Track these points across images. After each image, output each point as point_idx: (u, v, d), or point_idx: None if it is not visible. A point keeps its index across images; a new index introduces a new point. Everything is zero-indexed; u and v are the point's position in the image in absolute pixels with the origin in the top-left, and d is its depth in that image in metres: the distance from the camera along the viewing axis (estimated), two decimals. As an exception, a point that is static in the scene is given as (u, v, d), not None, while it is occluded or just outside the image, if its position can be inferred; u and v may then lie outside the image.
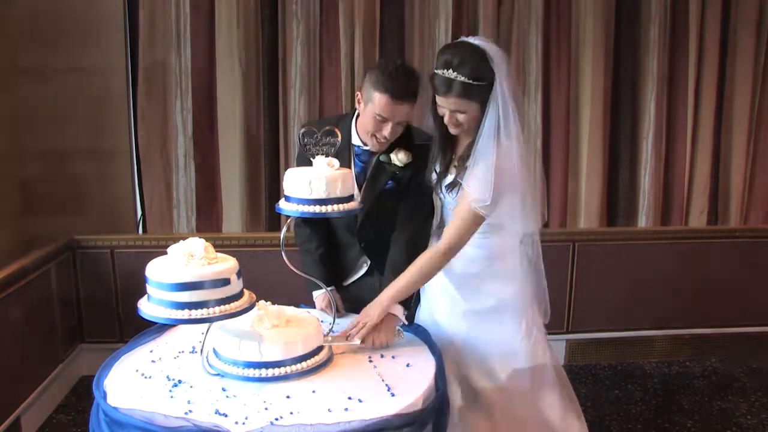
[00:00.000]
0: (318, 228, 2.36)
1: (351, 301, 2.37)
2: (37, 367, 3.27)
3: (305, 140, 1.98)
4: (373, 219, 2.28)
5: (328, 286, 2.27)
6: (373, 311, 2.09)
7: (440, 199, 2.26)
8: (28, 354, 3.17)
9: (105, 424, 1.71)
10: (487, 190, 2.01)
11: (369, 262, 2.38)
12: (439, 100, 2.04)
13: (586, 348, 3.92)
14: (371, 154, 2.24)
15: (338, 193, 1.92)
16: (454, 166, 2.16)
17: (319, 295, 2.35)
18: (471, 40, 2.04)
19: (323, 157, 1.98)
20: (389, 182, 2.25)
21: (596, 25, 3.75)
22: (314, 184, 1.90)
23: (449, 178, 2.16)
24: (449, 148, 2.19)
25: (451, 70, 1.97)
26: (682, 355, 4.00)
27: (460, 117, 2.04)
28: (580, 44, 3.81)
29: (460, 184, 2.09)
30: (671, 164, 3.98)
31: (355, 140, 2.24)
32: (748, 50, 3.88)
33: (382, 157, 2.22)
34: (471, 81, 1.97)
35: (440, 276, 2.20)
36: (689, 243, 3.92)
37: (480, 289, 2.21)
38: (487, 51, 2.00)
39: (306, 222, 2.33)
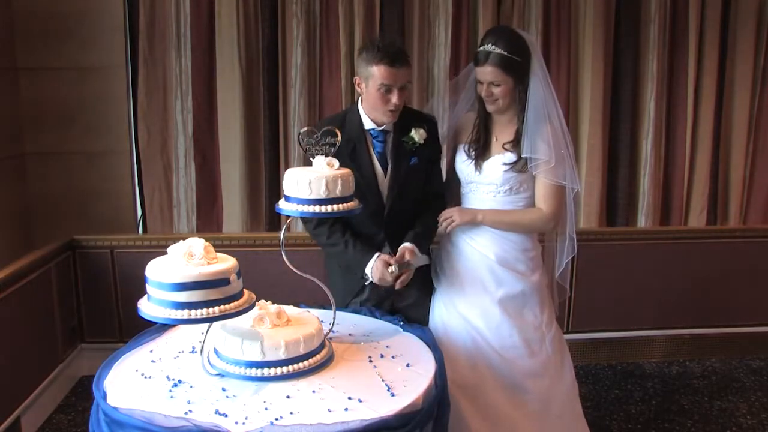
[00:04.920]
0: (334, 224, 2.35)
1: (371, 300, 2.40)
2: (37, 367, 3.27)
3: (305, 140, 1.99)
4: (401, 199, 2.37)
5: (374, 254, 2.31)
6: (462, 214, 2.34)
7: (465, 177, 2.41)
8: (28, 354, 3.17)
9: (105, 424, 1.71)
10: (551, 152, 2.26)
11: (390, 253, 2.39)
12: (478, 72, 2.28)
13: (586, 348, 3.92)
14: (386, 133, 2.35)
15: (338, 193, 1.93)
16: (504, 147, 2.33)
17: (374, 264, 2.29)
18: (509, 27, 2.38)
19: (323, 157, 1.98)
20: (413, 159, 2.37)
21: (596, 25, 3.74)
22: (314, 184, 1.91)
23: (504, 158, 2.32)
24: (487, 132, 2.38)
25: (490, 44, 2.23)
26: (682, 355, 4.00)
27: (496, 90, 2.26)
28: (580, 44, 3.81)
29: (523, 159, 2.29)
30: (671, 164, 3.98)
31: (368, 125, 2.34)
32: (748, 50, 3.87)
33: (404, 138, 2.34)
34: (507, 53, 2.20)
35: (470, 267, 2.38)
36: (689, 243, 3.92)
37: (513, 275, 2.37)
38: (521, 34, 2.31)
39: (322, 222, 2.34)
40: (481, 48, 2.26)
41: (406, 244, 2.32)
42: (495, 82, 2.25)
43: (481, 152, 2.37)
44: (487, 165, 2.35)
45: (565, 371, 2.45)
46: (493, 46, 2.21)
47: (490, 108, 2.33)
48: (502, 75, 2.23)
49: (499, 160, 2.34)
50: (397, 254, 2.30)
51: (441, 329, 2.37)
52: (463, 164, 2.41)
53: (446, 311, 2.41)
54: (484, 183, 2.36)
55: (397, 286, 2.30)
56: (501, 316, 2.35)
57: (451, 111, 2.56)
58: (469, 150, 2.39)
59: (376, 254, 2.29)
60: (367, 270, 2.30)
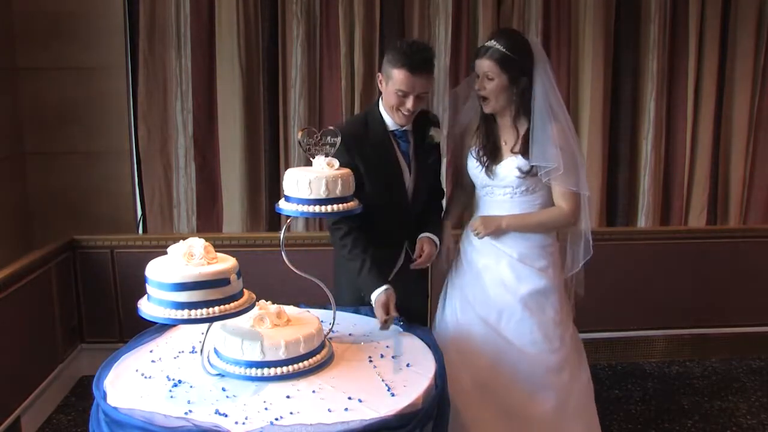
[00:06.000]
0: (359, 237, 2.31)
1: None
2: (37, 367, 3.27)
3: (305, 140, 1.99)
4: (420, 198, 2.44)
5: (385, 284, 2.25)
6: (487, 225, 2.34)
7: (480, 182, 2.43)
8: (28, 354, 3.17)
9: (105, 424, 1.71)
10: (560, 157, 2.27)
11: (406, 248, 2.45)
12: (476, 65, 2.32)
13: (585, 348, 3.88)
14: (408, 133, 2.38)
15: (338, 193, 1.93)
16: (513, 152, 2.35)
17: (382, 292, 2.22)
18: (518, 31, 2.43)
19: (323, 157, 1.98)
20: (431, 157, 2.46)
21: (596, 25, 3.74)
22: (314, 184, 1.91)
23: (517, 161, 2.33)
24: (493, 136, 2.41)
25: (493, 41, 2.29)
26: (682, 355, 4.00)
27: (488, 85, 2.29)
28: (580, 44, 3.81)
29: (535, 167, 2.31)
30: (671, 164, 3.97)
31: (392, 125, 2.35)
32: (748, 49, 3.87)
33: (427, 137, 2.41)
34: (505, 50, 2.25)
35: (491, 265, 2.40)
36: (689, 243, 3.92)
37: (534, 272, 2.39)
38: (528, 39, 2.36)
39: (348, 234, 2.29)
40: (484, 43, 2.32)
41: (428, 236, 2.40)
42: (489, 75, 2.28)
43: (491, 157, 2.39)
44: (499, 169, 2.37)
45: (582, 369, 2.49)
46: (495, 42, 2.28)
47: (485, 107, 2.35)
48: (497, 69, 2.27)
49: (511, 164, 2.35)
50: (417, 247, 2.38)
51: (453, 328, 2.41)
52: (476, 170, 2.43)
53: (462, 311, 2.44)
54: (500, 186, 2.38)
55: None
56: (522, 313, 2.37)
57: (453, 116, 2.58)
58: (479, 156, 2.41)
59: (386, 286, 2.23)
60: (373, 297, 2.24)
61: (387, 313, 2.18)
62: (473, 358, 2.34)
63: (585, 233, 2.46)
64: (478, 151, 2.41)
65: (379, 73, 2.32)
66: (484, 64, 2.28)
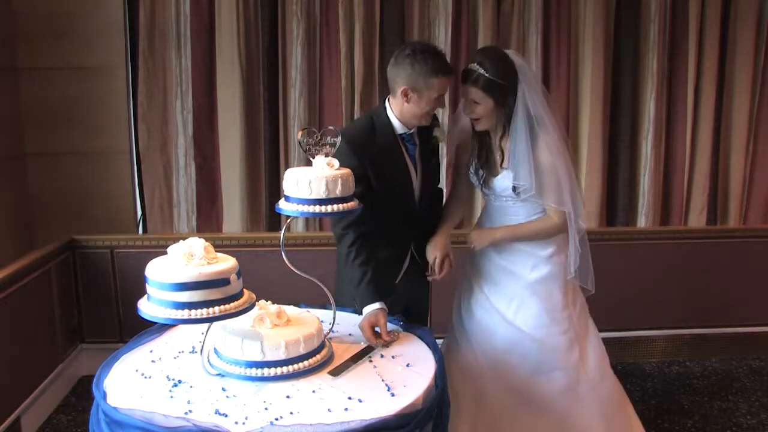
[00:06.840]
0: (363, 246, 2.26)
1: (399, 304, 2.38)
2: (37, 367, 3.27)
3: (305, 140, 1.99)
4: (426, 198, 2.45)
5: (382, 299, 2.20)
6: (482, 240, 2.42)
7: (485, 193, 2.49)
8: (28, 354, 3.17)
9: (105, 424, 1.71)
10: (531, 179, 2.31)
11: (412, 250, 2.46)
12: (462, 89, 2.36)
13: (586, 348, 3.91)
14: (414, 135, 2.39)
15: (338, 193, 1.93)
16: (503, 168, 2.39)
17: (373, 311, 2.17)
18: (505, 50, 2.38)
19: (323, 157, 1.98)
20: (434, 157, 2.49)
21: (596, 25, 3.74)
22: (314, 184, 1.91)
23: (510, 177, 2.35)
24: (487, 151, 2.43)
25: (476, 65, 2.28)
26: (682, 355, 4.00)
27: (475, 108, 2.32)
28: (580, 44, 3.81)
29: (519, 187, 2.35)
30: (671, 164, 3.97)
31: (401, 129, 2.35)
32: (748, 49, 3.87)
33: (432, 138, 2.42)
34: (490, 77, 2.25)
35: (498, 257, 2.47)
36: (689, 243, 3.92)
37: (541, 259, 2.45)
38: (511, 57, 2.33)
39: (354, 243, 2.25)
40: (469, 66, 2.31)
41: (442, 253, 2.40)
42: (475, 100, 2.31)
43: (487, 172, 2.42)
44: (495, 183, 2.41)
45: (592, 340, 2.53)
46: (479, 66, 2.27)
47: (478, 126, 2.38)
48: (482, 95, 2.28)
49: (505, 180, 2.38)
50: (435, 262, 2.39)
51: (468, 318, 2.49)
52: (475, 183, 2.48)
53: (476, 301, 2.50)
54: (501, 195, 2.42)
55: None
56: (530, 298, 2.44)
57: (454, 129, 2.60)
58: (476, 170, 2.44)
59: (379, 305, 2.18)
60: (365, 312, 2.19)
61: (373, 332, 2.13)
62: (488, 345, 2.42)
63: (575, 243, 2.47)
64: (475, 164, 2.45)
65: (404, 87, 2.22)
66: (470, 91, 2.30)
